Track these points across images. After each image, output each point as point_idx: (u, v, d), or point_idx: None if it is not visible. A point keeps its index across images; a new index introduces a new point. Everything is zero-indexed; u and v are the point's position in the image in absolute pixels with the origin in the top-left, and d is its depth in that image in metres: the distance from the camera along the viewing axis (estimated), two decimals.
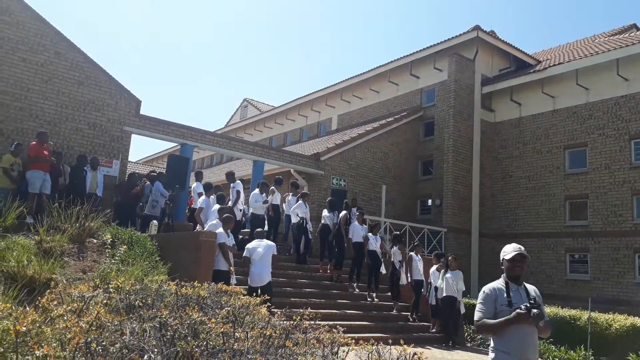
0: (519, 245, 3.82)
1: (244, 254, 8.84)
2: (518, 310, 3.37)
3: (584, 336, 10.62)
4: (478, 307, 3.62)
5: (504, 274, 3.81)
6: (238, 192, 12.28)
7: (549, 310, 11.86)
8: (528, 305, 3.38)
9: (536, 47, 70.14)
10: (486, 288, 3.70)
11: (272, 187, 12.99)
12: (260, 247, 8.83)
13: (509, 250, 3.82)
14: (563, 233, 17.84)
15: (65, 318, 3.94)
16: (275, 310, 5.99)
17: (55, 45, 12.38)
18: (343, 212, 12.45)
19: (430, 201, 20.30)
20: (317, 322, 5.22)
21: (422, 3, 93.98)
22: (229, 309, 5.02)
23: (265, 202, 12.19)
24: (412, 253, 11.96)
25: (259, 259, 8.76)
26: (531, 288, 3.78)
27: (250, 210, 12.24)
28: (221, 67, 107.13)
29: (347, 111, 25.67)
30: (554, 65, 19.01)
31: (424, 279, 11.68)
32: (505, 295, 3.58)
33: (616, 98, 17.29)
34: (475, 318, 3.59)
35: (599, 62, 17.50)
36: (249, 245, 8.91)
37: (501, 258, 3.86)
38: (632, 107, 16.83)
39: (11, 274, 6.52)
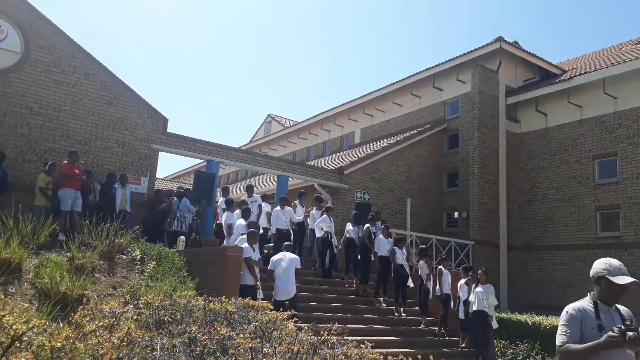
0: (631, 278, 3.13)
1: (269, 267, 8.91)
2: (610, 334, 2.81)
3: None
4: (561, 329, 3.17)
5: (594, 293, 3.25)
6: (260, 206, 12.40)
7: None
8: (622, 327, 2.80)
9: (560, 57, 69.24)
10: (570, 308, 3.25)
11: (295, 202, 13.07)
12: (284, 261, 8.88)
13: (617, 272, 3.13)
14: (594, 245, 17.38)
15: (97, 334, 4.02)
16: (302, 325, 5.99)
17: (85, 66, 12.78)
18: (366, 226, 12.42)
19: (456, 214, 20.05)
20: (345, 338, 5.19)
21: (444, 15, 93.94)
22: (256, 324, 5.04)
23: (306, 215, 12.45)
24: (440, 266, 11.81)
25: (282, 272, 8.82)
26: (624, 309, 3.26)
27: (275, 226, 12.30)
28: (246, 84, 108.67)
29: (370, 125, 25.68)
30: (580, 74, 18.71)
31: (451, 292, 11.51)
32: (594, 317, 3.12)
33: None
34: (558, 342, 3.15)
35: (627, 70, 17.15)
36: (273, 258, 9.00)
37: (595, 274, 3.23)
38: None
39: (45, 290, 6.69)
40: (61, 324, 4.59)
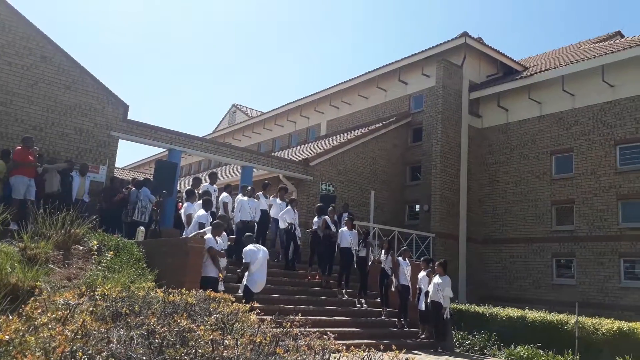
0: None
1: (244, 260, 8.75)
2: None
3: (572, 340, 10.69)
4: None
5: None
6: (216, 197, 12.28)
7: (536, 315, 11.93)
8: None
9: (523, 54, 71.00)
10: None
11: (259, 193, 12.95)
12: (260, 253, 8.80)
13: None
14: (550, 238, 17.98)
15: (49, 326, 3.86)
16: (265, 317, 5.94)
17: (42, 48, 12.25)
18: (323, 217, 12.45)
19: (418, 207, 20.36)
20: (307, 329, 5.18)
21: (410, 10, 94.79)
22: (217, 315, 4.97)
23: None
24: (399, 258, 11.96)
25: (260, 265, 8.75)
26: None
27: (240, 217, 12.13)
28: (210, 73, 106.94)
29: (336, 117, 25.71)
30: (541, 71, 19.23)
31: (409, 284, 11.66)
32: None
33: (601, 104, 17.52)
34: None
35: (585, 68, 17.73)
36: (248, 251, 8.79)
37: None
38: (617, 112, 17.06)
39: None
40: (11, 317, 4.39)
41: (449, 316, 11.04)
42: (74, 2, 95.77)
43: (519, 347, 10.97)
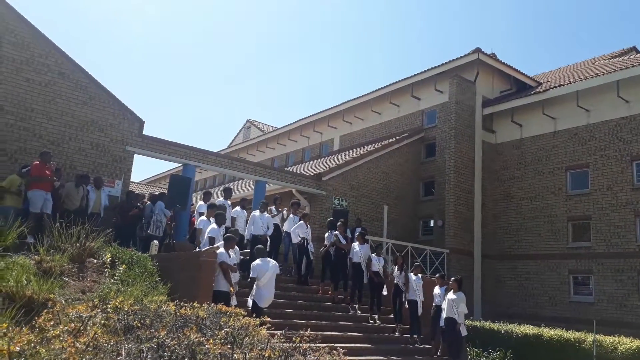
0: None
1: (251, 275, 8.75)
2: None
3: (589, 359, 10.46)
4: None
5: None
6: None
7: (552, 332, 11.71)
8: None
9: (537, 70, 70.69)
10: None
11: (271, 207, 13.00)
12: (269, 268, 8.77)
13: None
14: (566, 254, 17.71)
15: (61, 338, 3.90)
16: (276, 331, 5.92)
17: (60, 65, 12.53)
18: (334, 232, 12.43)
19: (432, 222, 20.23)
20: (318, 344, 5.16)
21: (424, 25, 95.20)
22: (228, 329, 4.97)
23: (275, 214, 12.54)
24: (410, 273, 11.87)
25: (268, 280, 8.71)
26: None
27: (251, 232, 12.19)
28: (225, 89, 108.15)
29: (349, 132, 25.79)
30: (555, 87, 19.13)
31: (418, 299, 11.54)
32: None
33: (617, 119, 17.34)
34: None
35: (600, 83, 17.60)
36: (255, 265, 8.80)
37: None
38: (633, 128, 16.87)
39: (10, 294, 6.48)
40: (24, 328, 4.44)
41: (464, 333, 10.89)
42: (87, 16, 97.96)
43: None
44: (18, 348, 3.16)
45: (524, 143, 19.91)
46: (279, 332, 6.14)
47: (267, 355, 4.10)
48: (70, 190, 10.91)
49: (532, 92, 19.89)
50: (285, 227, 13.07)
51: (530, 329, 12.20)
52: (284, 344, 4.72)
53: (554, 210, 18.38)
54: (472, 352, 11.80)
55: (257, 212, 12.36)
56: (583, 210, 17.58)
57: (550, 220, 18.39)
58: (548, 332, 11.82)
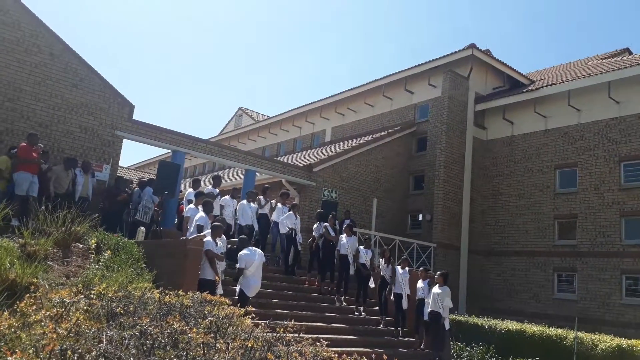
0: None
1: (239, 265, 8.77)
2: None
3: (570, 356, 10.63)
4: None
5: None
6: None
7: (534, 329, 11.85)
8: None
9: (530, 67, 70.97)
10: None
11: (260, 197, 12.97)
12: (256, 258, 8.81)
13: None
14: (551, 252, 17.89)
15: (42, 324, 3.87)
16: (260, 321, 5.93)
17: (50, 46, 12.34)
18: (324, 224, 12.44)
19: (420, 216, 20.32)
20: (301, 335, 5.16)
21: (418, 20, 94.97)
22: (212, 319, 4.96)
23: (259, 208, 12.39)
24: (397, 267, 11.94)
25: (256, 269, 8.75)
26: None
27: (240, 221, 12.17)
28: (217, 76, 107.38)
29: (341, 124, 25.75)
30: (547, 85, 19.21)
31: (404, 293, 11.62)
32: None
33: (607, 120, 17.47)
34: None
35: (591, 84, 17.69)
36: (243, 255, 8.81)
37: None
38: (623, 129, 17.01)
39: None
40: (6, 312, 4.41)
41: (448, 327, 10.99)
42: (79, 0, 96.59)
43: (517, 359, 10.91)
44: None
45: (514, 140, 20.01)
46: (263, 322, 6.15)
47: (249, 345, 4.10)
48: (60, 174, 10.80)
49: (525, 90, 19.96)
50: (273, 217, 13.04)
51: (513, 325, 12.35)
52: (268, 334, 4.72)
53: (541, 208, 18.54)
54: (455, 347, 11.93)
55: (244, 202, 12.34)
56: (570, 208, 17.75)
57: (537, 218, 18.54)
58: (531, 328, 11.96)
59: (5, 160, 10.08)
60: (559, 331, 11.55)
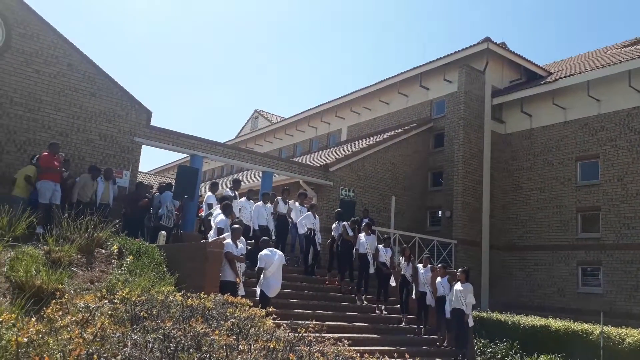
0: None
1: (259, 265, 8.86)
2: None
3: (597, 351, 10.44)
4: None
5: None
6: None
7: (559, 324, 11.68)
8: None
9: (547, 59, 69.93)
10: None
11: (278, 198, 13.02)
12: (276, 257, 8.89)
13: None
14: (575, 245, 17.61)
15: (69, 329, 3.95)
16: (281, 322, 5.96)
17: (68, 57, 12.56)
18: (343, 223, 12.44)
19: (440, 213, 20.17)
20: (323, 335, 5.18)
21: (432, 15, 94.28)
22: (234, 320, 5.00)
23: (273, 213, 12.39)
24: (419, 265, 11.88)
25: (275, 270, 8.83)
26: None
27: (257, 222, 12.24)
28: (234, 79, 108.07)
29: (357, 122, 25.71)
30: (565, 76, 18.90)
31: (427, 291, 11.55)
32: None
33: (628, 109, 17.12)
34: None
35: (611, 73, 17.36)
36: (263, 255, 8.90)
37: None
38: None
39: (19, 283, 6.57)
40: (33, 318, 4.50)
41: (471, 324, 10.89)
42: (92, 6, 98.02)
43: (542, 356, 10.77)
44: (26, 339, 3.20)
45: (533, 133, 19.74)
46: (284, 323, 6.18)
47: (272, 346, 4.12)
48: (87, 182, 11.00)
49: (542, 82, 19.67)
50: (292, 217, 13.09)
51: (537, 320, 12.18)
52: (289, 335, 4.74)
53: (563, 201, 18.26)
54: (478, 343, 11.82)
55: (260, 203, 12.44)
56: (593, 201, 17.44)
57: (560, 211, 18.27)
58: (555, 323, 11.79)
59: (33, 169, 10.31)
60: (585, 326, 11.36)
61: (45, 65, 12.20)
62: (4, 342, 3.63)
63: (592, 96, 17.89)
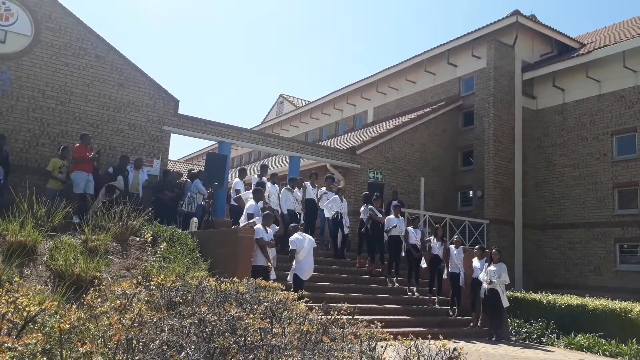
0: None
1: (290, 247, 8.96)
2: None
3: (636, 329, 10.19)
4: None
5: None
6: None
7: (597, 302, 11.43)
8: None
9: (579, 30, 67.52)
10: None
11: (306, 183, 13.01)
12: (306, 241, 8.97)
13: None
14: (612, 222, 17.12)
15: (108, 315, 4.06)
16: (313, 305, 5.98)
17: (96, 48, 12.75)
18: (369, 206, 12.37)
19: (471, 193, 19.87)
20: (355, 317, 5.18)
21: None
22: (267, 304, 5.05)
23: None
24: (451, 245, 11.76)
25: (307, 253, 8.92)
26: None
27: (285, 207, 12.28)
28: (258, 64, 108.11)
29: (383, 103, 25.41)
30: (599, 47, 18.20)
31: (460, 271, 11.45)
32: None
33: None
34: None
35: None
36: (294, 239, 9.00)
37: None
38: None
39: (59, 272, 6.78)
40: (74, 305, 4.64)
41: (505, 304, 10.77)
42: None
43: (579, 335, 10.57)
44: (68, 325, 3.30)
45: (566, 108, 19.16)
46: (317, 306, 6.21)
47: (305, 329, 4.14)
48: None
49: (575, 54, 19.01)
50: (320, 202, 13.09)
51: (573, 299, 11.94)
52: (322, 318, 4.76)
53: (598, 177, 17.74)
54: (513, 323, 11.68)
55: (287, 188, 12.48)
56: (630, 176, 16.89)
57: (595, 188, 17.76)
58: (592, 302, 11.53)
59: (54, 162, 10.55)
60: (623, 304, 11.06)
61: (74, 57, 12.40)
62: (47, 328, 3.75)
63: (629, 67, 17.21)
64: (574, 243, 18.00)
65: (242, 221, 9.89)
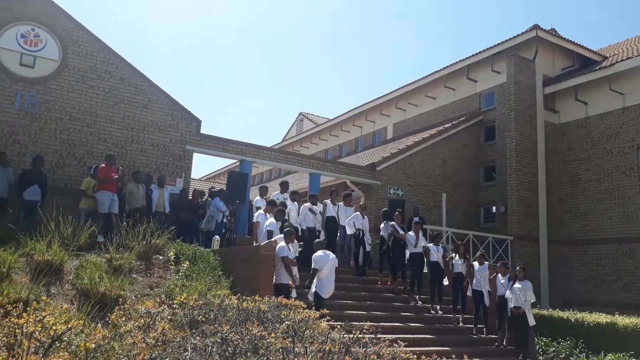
0: None
1: (313, 266, 8.93)
2: None
3: None
4: None
5: None
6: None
7: (627, 321, 11.10)
8: None
9: (600, 43, 66.65)
10: None
11: (326, 201, 13.02)
12: (329, 259, 8.94)
13: None
14: None
15: (132, 334, 4.10)
16: (335, 324, 5.96)
17: (120, 71, 13.09)
18: (391, 223, 12.28)
19: (494, 208, 19.60)
20: (378, 336, 5.13)
21: (477, 4, 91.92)
22: (288, 323, 5.04)
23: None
24: (474, 262, 11.58)
25: (329, 271, 8.88)
26: None
27: (305, 224, 12.29)
28: (277, 83, 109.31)
29: (403, 119, 25.39)
30: (622, 60, 17.94)
31: (484, 289, 11.23)
32: None
33: None
34: None
35: None
36: (317, 257, 8.96)
37: None
38: None
39: (85, 290, 6.90)
40: (99, 324, 4.70)
41: (532, 322, 10.53)
42: (133, 14, 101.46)
43: (609, 355, 10.25)
44: (93, 345, 3.35)
45: (589, 122, 18.86)
46: (338, 325, 6.17)
47: (327, 348, 4.12)
48: (132, 189, 11.44)
49: (597, 67, 18.77)
50: (341, 219, 13.07)
51: (602, 317, 11.61)
52: (344, 337, 4.73)
53: (625, 192, 17.34)
54: (540, 342, 11.39)
55: (307, 205, 12.48)
56: None
57: (622, 202, 17.36)
58: (623, 320, 11.20)
59: (88, 181, 10.81)
60: None
61: (100, 80, 12.76)
62: (73, 347, 3.81)
63: None
64: (601, 259, 17.56)
65: (262, 238, 9.94)
